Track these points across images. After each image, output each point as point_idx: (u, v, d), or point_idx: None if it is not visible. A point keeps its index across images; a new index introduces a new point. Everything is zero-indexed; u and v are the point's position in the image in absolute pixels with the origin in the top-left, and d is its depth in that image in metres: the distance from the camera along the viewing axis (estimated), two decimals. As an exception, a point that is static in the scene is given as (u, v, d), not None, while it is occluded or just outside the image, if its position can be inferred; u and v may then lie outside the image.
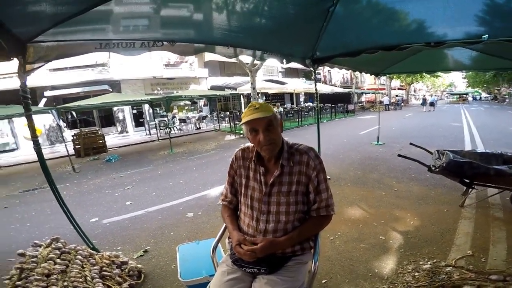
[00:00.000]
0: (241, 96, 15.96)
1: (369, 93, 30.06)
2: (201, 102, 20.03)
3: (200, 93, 13.62)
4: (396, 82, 35.86)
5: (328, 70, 31.31)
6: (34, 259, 2.04)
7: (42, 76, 14.23)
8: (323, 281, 2.18)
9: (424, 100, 22.75)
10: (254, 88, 12.07)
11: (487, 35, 2.56)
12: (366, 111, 23.55)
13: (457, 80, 67.41)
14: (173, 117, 16.67)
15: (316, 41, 3.73)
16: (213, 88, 18.84)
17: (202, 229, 3.28)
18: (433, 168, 3.38)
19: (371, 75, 7.57)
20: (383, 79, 32.65)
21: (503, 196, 3.43)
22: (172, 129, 15.05)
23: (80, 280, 1.97)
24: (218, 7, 2.56)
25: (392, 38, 3.42)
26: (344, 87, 30.25)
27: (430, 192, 3.93)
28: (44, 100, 14.30)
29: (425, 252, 2.44)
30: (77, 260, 2.18)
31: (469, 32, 2.88)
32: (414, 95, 28.59)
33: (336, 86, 29.32)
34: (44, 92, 14.32)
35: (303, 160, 1.34)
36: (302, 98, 27.29)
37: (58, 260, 2.12)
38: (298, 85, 19.64)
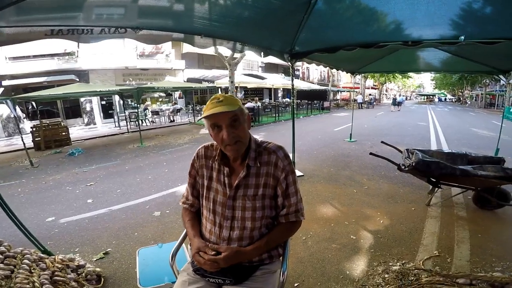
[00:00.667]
0: (219, 90, 15.63)
1: (344, 91, 30.91)
2: (176, 94, 19.35)
3: (175, 85, 13.11)
4: (370, 82, 37.19)
5: (307, 67, 31.72)
6: None
7: (0, 65, 12.97)
8: (295, 284, 2.10)
9: (395, 99, 23.36)
10: (232, 82, 11.86)
11: (463, 36, 2.61)
12: (340, 109, 24.19)
13: (426, 81, 71.92)
14: (145, 109, 15.98)
15: (295, 34, 3.62)
16: (189, 80, 18.27)
17: (169, 230, 3.09)
18: (403, 167, 3.44)
19: (347, 73, 7.68)
20: (358, 78, 33.72)
21: (466, 195, 3.58)
22: (143, 121, 14.42)
23: (27, 286, 1.77)
24: None
25: (371, 36, 3.40)
26: (321, 84, 30.78)
27: (399, 190, 4.02)
28: (1, 90, 13.08)
29: (394, 252, 2.46)
30: (23, 265, 1.97)
31: (443, 35, 2.93)
32: (386, 94, 29.95)
33: (313, 83, 29.75)
34: (2, 81, 13.14)
35: (271, 161, 1.21)
36: (280, 94, 27.41)
37: (1, 265, 1.92)
38: (277, 81, 19.61)
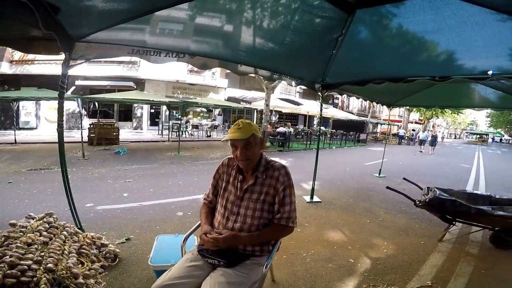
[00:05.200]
0: (255, 111, 16.35)
1: (384, 123, 29.74)
2: (216, 112, 20.55)
3: (216, 103, 14.06)
4: (415, 115, 35.13)
5: (347, 96, 31.43)
6: (23, 229, 2.19)
7: (77, 66, 15.11)
8: (283, 292, 2.27)
9: (435, 138, 17.50)
10: (267, 105, 12.37)
11: (491, 71, 2.60)
12: (378, 143, 23.25)
13: (480, 118, 64.77)
14: (187, 121, 17.19)
15: (325, 67, 3.94)
16: (230, 99, 19.35)
17: (187, 228, 3.32)
18: (418, 202, 3.47)
19: (382, 105, 7.62)
20: (401, 110, 32.16)
21: (486, 235, 3.49)
22: (183, 133, 15.50)
23: (58, 252, 2.05)
24: (239, 31, 2.89)
25: (399, 69, 3.56)
26: (361, 115, 30.14)
27: (414, 225, 3.98)
28: (73, 88, 15.16)
29: (387, 278, 2.51)
30: (61, 235, 2.30)
31: (502, 67, 2.77)
32: (431, 130, 27.79)
33: (353, 113, 29.26)
34: (76, 81, 15.17)
35: (275, 175, 1.56)
36: (316, 121, 27.39)
37: (45, 233, 2.24)
38: (313, 108, 19.80)
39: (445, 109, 24.04)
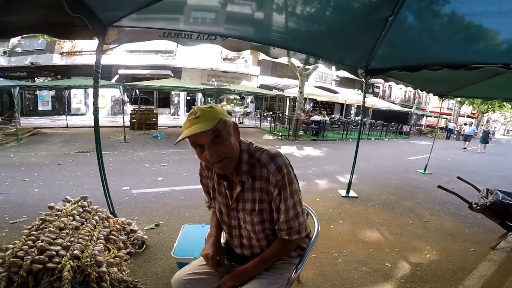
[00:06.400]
0: (287, 99, 15.97)
1: (431, 116, 27.18)
2: (249, 99, 20.56)
3: (249, 90, 14.02)
4: (466, 109, 31.67)
5: (389, 86, 29.37)
6: (58, 213, 2.24)
7: (120, 56, 16.12)
8: (309, 295, 2.11)
9: (487, 133, 14.37)
10: (301, 93, 11.96)
11: None
12: (422, 136, 21.40)
13: None
14: (220, 108, 17.47)
15: (372, 50, 3.53)
16: (262, 86, 19.22)
17: None
18: (475, 205, 3.04)
19: (434, 95, 6.87)
20: (451, 103, 29.18)
21: None
22: (217, 119, 15.75)
23: (86, 238, 2.02)
24: (271, 9, 2.66)
25: (460, 54, 3.06)
26: (404, 105, 27.94)
27: (464, 230, 3.53)
28: (116, 77, 16.24)
29: (427, 287, 2.23)
30: (93, 220, 2.30)
31: None
32: (483, 125, 24.51)
33: (395, 103, 27.29)
34: (119, 70, 16.26)
35: (263, 175, 1.11)
36: (353, 111, 26.11)
37: (77, 217, 2.24)
38: (351, 97, 18.82)
39: (504, 104, 21.20)
